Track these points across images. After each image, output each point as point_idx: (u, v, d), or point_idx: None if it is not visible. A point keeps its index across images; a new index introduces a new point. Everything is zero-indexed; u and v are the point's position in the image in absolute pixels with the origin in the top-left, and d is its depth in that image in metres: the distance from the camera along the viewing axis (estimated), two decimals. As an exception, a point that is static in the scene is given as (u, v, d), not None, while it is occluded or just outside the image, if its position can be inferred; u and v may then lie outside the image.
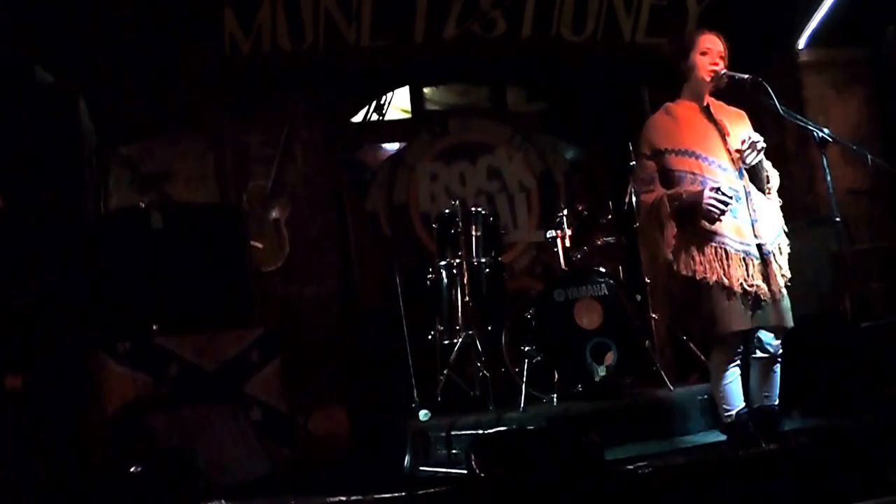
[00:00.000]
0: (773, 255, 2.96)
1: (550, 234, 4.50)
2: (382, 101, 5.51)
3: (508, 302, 4.53)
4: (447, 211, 4.51)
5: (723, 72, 2.95)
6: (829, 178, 3.04)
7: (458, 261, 4.35)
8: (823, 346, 3.77)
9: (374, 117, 5.53)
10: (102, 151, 4.27)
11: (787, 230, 3.03)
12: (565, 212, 4.48)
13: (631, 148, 4.27)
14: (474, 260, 4.37)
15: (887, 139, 4.68)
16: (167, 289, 3.54)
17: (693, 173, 2.95)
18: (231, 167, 4.63)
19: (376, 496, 2.22)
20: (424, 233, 5.33)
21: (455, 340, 4.26)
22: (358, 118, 5.56)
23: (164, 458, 2.92)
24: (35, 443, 3.12)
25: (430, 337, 4.44)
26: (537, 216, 5.55)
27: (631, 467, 2.32)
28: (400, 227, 5.36)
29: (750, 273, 2.89)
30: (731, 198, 2.85)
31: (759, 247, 2.93)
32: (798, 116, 3.07)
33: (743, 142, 2.91)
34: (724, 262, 2.88)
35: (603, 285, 4.16)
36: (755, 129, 3.04)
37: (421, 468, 3.61)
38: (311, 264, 4.72)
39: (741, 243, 2.91)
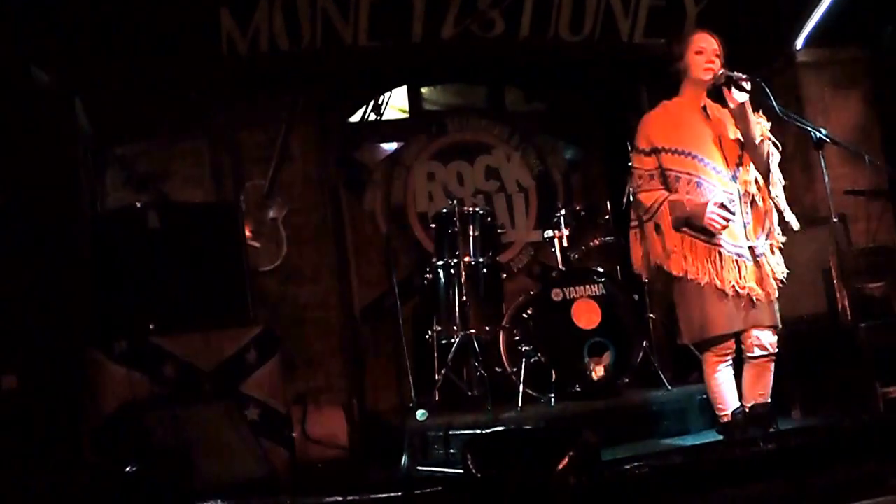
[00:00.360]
0: (766, 255, 2.95)
1: (548, 233, 4.50)
2: (380, 101, 5.51)
3: (506, 302, 4.53)
4: (445, 210, 4.50)
5: (720, 71, 2.95)
6: (826, 178, 3.04)
7: (455, 260, 4.35)
8: (821, 345, 3.77)
9: (372, 117, 5.52)
10: (99, 151, 4.26)
11: (782, 230, 3.02)
12: (563, 212, 4.48)
13: (629, 148, 4.26)
14: (472, 260, 4.37)
15: (885, 139, 4.68)
16: (164, 288, 3.52)
17: (689, 174, 2.94)
18: (228, 167, 4.62)
19: (373, 496, 2.22)
20: (422, 232, 5.32)
21: (452, 340, 4.26)
22: (355, 118, 5.55)
23: (160, 457, 2.92)
24: (31, 443, 3.11)
25: (427, 336, 4.44)
26: (535, 216, 5.54)
27: (628, 467, 2.32)
28: (397, 226, 5.36)
29: (743, 275, 2.89)
30: (733, 214, 2.84)
31: (750, 249, 2.93)
32: (796, 117, 3.07)
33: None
34: (718, 264, 2.88)
35: (601, 285, 4.17)
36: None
37: (418, 468, 3.61)
38: (308, 264, 4.71)
39: (734, 245, 2.91)
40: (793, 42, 4.68)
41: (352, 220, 5.42)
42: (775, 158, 2.98)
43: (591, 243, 4.46)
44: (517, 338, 4.24)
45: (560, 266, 4.41)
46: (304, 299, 4.68)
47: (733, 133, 2.99)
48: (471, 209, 4.49)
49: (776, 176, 2.98)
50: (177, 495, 2.55)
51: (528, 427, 3.57)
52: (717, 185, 2.93)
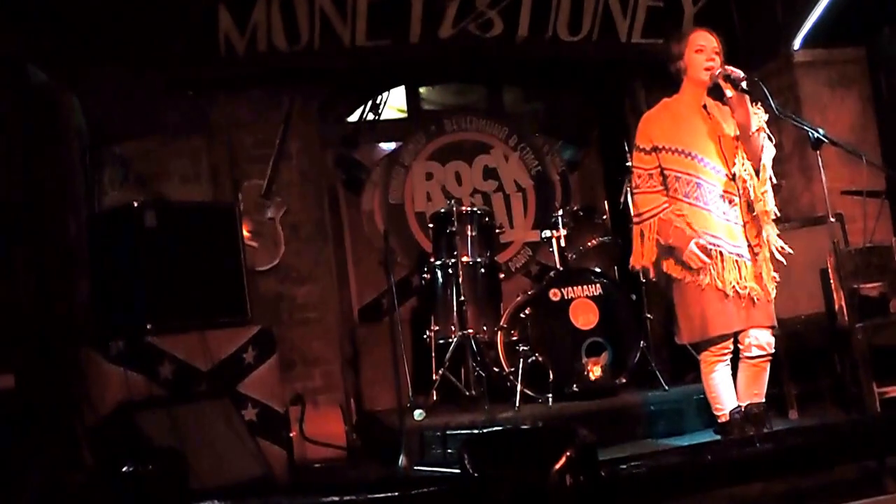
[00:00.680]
0: (764, 255, 2.95)
1: (546, 233, 4.51)
2: (378, 101, 5.51)
3: (504, 302, 4.53)
4: (443, 210, 4.51)
5: (718, 70, 2.95)
6: (824, 178, 3.04)
7: (453, 260, 4.35)
8: (818, 345, 3.78)
9: (370, 117, 5.52)
10: (96, 150, 4.25)
11: (777, 229, 3.02)
12: (561, 212, 4.49)
13: (627, 148, 4.27)
14: (470, 259, 4.37)
15: (882, 139, 4.69)
16: (161, 288, 3.51)
17: (689, 174, 2.94)
18: (225, 166, 4.61)
19: (370, 496, 2.21)
20: (420, 232, 5.32)
21: (450, 340, 4.26)
22: (354, 118, 5.55)
23: (157, 457, 2.91)
24: (27, 442, 3.10)
25: (425, 336, 4.44)
26: (533, 216, 5.55)
27: (625, 467, 2.32)
28: (395, 226, 5.35)
29: (743, 275, 2.89)
30: (712, 258, 2.85)
31: (749, 248, 2.93)
32: (794, 116, 3.07)
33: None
34: (719, 264, 2.88)
35: (598, 285, 4.17)
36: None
37: (416, 468, 3.60)
38: (306, 263, 4.71)
39: (734, 245, 2.91)
40: (790, 42, 4.69)
41: (350, 219, 5.42)
42: (769, 153, 2.97)
43: (589, 243, 4.47)
44: (515, 338, 4.24)
45: (558, 266, 4.42)
46: (301, 299, 4.67)
47: (733, 131, 2.99)
48: (469, 209, 4.49)
49: (767, 172, 2.98)
50: (174, 495, 2.54)
51: (525, 427, 3.57)
52: (717, 185, 2.93)
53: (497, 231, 4.68)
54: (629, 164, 3.37)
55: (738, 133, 2.96)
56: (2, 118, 3.34)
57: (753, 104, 2.94)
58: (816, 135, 2.98)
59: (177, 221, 3.65)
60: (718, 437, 3.04)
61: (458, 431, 3.68)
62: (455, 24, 4.62)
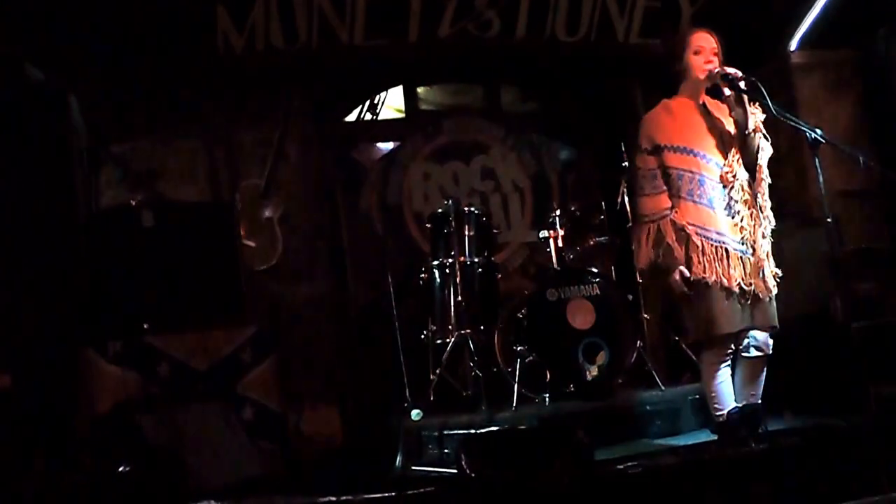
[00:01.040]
0: (767, 252, 2.97)
1: (543, 234, 4.50)
2: (376, 101, 5.50)
3: (501, 302, 4.53)
4: (440, 210, 4.51)
5: (716, 70, 2.96)
6: (821, 178, 3.05)
7: (450, 260, 4.35)
8: (814, 346, 3.78)
9: (368, 117, 5.51)
10: (93, 149, 4.24)
11: (773, 228, 3.03)
12: (558, 212, 4.48)
13: (623, 148, 4.28)
14: (467, 260, 4.37)
15: (878, 140, 4.70)
16: (158, 287, 3.52)
17: (691, 171, 2.96)
18: (223, 166, 4.61)
19: (367, 496, 2.22)
20: (417, 232, 5.32)
21: (447, 340, 4.26)
22: (351, 117, 5.54)
23: (154, 457, 2.91)
24: (24, 442, 3.10)
25: (422, 336, 4.44)
26: (530, 216, 5.55)
27: (621, 467, 2.33)
28: (393, 226, 5.35)
29: (747, 272, 2.90)
30: (691, 293, 2.88)
31: (751, 245, 2.94)
32: (791, 117, 3.07)
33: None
34: (725, 261, 2.89)
35: (595, 285, 4.17)
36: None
37: (413, 468, 3.61)
38: (303, 263, 4.71)
39: (738, 242, 2.93)
40: (787, 44, 4.70)
41: (347, 219, 5.41)
42: (765, 154, 2.99)
43: (587, 243, 4.47)
44: (512, 338, 4.24)
45: (555, 266, 4.42)
46: (299, 299, 4.67)
47: (733, 129, 3.01)
48: (466, 209, 4.49)
49: (763, 172, 2.99)
50: (171, 495, 2.55)
51: (522, 427, 3.57)
52: (719, 181, 2.94)
53: (494, 231, 4.68)
54: (626, 164, 3.38)
55: (736, 131, 2.98)
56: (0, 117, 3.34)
57: (751, 104, 2.96)
58: (814, 135, 2.99)
59: (175, 221, 3.65)
60: (715, 437, 3.05)
61: (456, 431, 3.67)
62: (453, 24, 4.63)
